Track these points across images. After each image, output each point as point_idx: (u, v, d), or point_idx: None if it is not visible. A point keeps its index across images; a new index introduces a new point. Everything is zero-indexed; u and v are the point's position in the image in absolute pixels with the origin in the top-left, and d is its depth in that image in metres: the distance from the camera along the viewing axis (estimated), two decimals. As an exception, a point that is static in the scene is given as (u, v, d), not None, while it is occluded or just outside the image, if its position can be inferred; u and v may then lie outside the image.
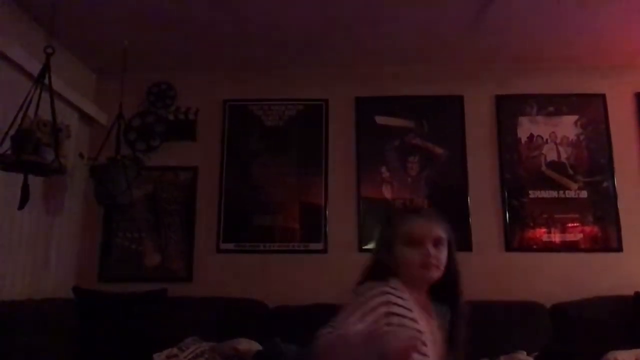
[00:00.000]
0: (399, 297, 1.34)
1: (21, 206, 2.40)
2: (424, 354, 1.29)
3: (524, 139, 3.38)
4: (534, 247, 3.25)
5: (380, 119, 3.45)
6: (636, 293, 2.84)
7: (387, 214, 1.31)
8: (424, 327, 1.34)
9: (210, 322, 2.87)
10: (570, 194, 3.29)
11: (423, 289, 1.43)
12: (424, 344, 1.29)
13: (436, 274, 1.41)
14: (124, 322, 2.77)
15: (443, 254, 1.42)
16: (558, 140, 3.37)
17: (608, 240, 3.22)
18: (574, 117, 3.39)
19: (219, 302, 2.99)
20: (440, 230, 1.43)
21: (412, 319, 1.32)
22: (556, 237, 3.25)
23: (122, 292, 2.96)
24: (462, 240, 3.24)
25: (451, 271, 1.45)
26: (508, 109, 3.43)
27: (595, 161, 3.32)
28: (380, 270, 1.43)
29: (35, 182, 2.63)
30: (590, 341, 2.71)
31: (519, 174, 3.34)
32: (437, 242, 1.41)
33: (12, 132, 2.29)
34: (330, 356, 1.18)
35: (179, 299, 2.98)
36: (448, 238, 1.45)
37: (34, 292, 2.82)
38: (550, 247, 3.24)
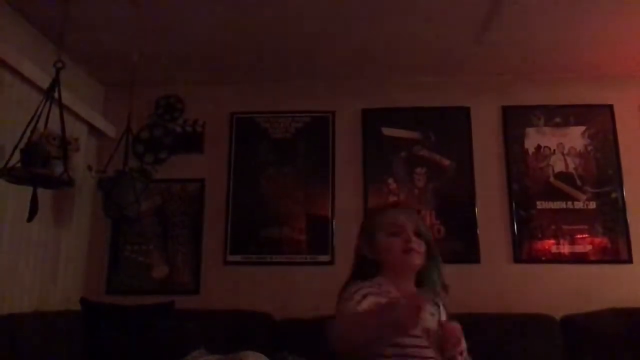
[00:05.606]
0: (377, 288, 1.39)
1: (30, 219, 2.42)
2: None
3: (531, 150, 3.37)
4: (543, 258, 3.22)
5: (387, 131, 3.45)
6: (647, 305, 2.82)
7: (368, 211, 1.41)
8: None
9: (217, 335, 2.85)
10: (579, 205, 3.27)
11: (409, 278, 1.47)
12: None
13: (418, 259, 1.46)
14: (131, 334, 2.76)
15: (422, 244, 1.48)
16: (566, 151, 3.35)
17: (618, 251, 3.19)
18: (582, 128, 3.38)
19: (226, 314, 2.98)
20: (419, 223, 1.51)
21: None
22: (565, 249, 3.22)
23: (130, 304, 2.95)
24: (470, 252, 3.23)
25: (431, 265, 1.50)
26: (515, 120, 3.42)
27: (604, 172, 3.30)
28: (364, 269, 1.49)
29: (44, 195, 2.65)
30: (601, 354, 2.68)
31: (526, 185, 3.32)
32: (417, 233, 1.48)
33: (21, 145, 2.32)
34: (347, 334, 1.23)
35: (187, 311, 2.97)
36: (426, 235, 1.52)
37: (42, 304, 2.83)
38: (559, 259, 3.21)
